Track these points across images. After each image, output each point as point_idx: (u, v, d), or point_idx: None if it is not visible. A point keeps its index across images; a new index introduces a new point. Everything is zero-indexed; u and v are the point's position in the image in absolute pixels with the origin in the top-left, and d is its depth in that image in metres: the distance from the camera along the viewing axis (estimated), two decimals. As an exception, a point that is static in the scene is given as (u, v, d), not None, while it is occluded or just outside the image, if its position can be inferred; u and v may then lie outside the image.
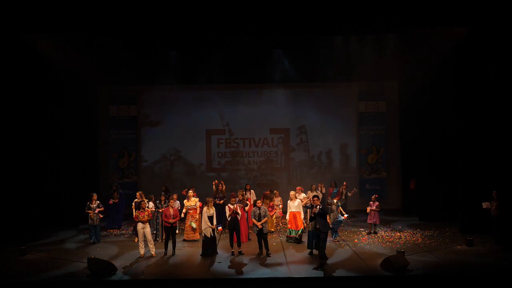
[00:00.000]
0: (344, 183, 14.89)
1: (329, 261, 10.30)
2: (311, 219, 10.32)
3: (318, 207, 10.15)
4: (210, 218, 11.06)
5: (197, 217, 12.43)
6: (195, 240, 12.30)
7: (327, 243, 10.30)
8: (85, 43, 13.79)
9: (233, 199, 11.50)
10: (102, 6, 11.67)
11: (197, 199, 12.61)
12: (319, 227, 9.99)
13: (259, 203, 11.32)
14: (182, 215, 12.33)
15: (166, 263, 10.56)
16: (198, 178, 17.22)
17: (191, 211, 12.42)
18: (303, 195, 13.32)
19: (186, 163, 17.50)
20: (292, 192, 12.58)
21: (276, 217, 13.90)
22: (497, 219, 11.53)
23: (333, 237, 12.19)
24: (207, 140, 17.55)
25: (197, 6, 11.79)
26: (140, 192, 12.90)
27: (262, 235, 10.95)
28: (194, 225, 12.23)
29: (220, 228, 11.40)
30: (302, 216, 12.19)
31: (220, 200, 13.57)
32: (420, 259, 10.29)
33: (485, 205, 11.66)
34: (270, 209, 13.39)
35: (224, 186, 14.08)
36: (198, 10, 11.85)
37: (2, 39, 12.11)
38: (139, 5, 11.75)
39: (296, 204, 12.25)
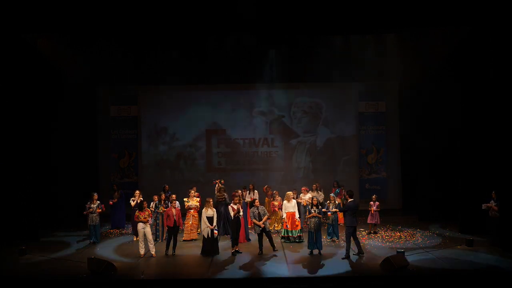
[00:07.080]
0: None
1: (328, 262, 10.33)
2: (342, 211, 10.95)
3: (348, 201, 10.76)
4: (209, 218, 11.02)
5: (197, 216, 12.41)
6: (193, 240, 12.32)
7: (327, 243, 11.56)
8: (85, 43, 13.77)
9: (236, 198, 11.41)
10: (102, 6, 11.66)
11: (198, 199, 12.61)
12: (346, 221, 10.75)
13: (257, 203, 11.54)
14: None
15: (166, 263, 10.56)
16: (198, 178, 17.17)
17: (191, 211, 12.42)
18: (308, 195, 13.18)
19: (186, 163, 17.48)
20: (288, 192, 12.31)
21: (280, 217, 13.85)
22: (497, 219, 11.50)
23: (330, 237, 12.29)
24: (207, 140, 17.54)
25: (197, 6, 11.79)
26: (138, 191, 12.93)
27: (266, 233, 11.08)
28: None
29: (215, 231, 11.07)
30: (297, 216, 12.08)
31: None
32: (420, 259, 10.28)
33: (484, 206, 11.57)
34: (276, 209, 13.43)
35: (220, 187, 13.03)
36: (198, 10, 11.84)
37: (2, 39, 12.10)
38: (139, 5, 11.74)
39: (293, 204, 12.14)
